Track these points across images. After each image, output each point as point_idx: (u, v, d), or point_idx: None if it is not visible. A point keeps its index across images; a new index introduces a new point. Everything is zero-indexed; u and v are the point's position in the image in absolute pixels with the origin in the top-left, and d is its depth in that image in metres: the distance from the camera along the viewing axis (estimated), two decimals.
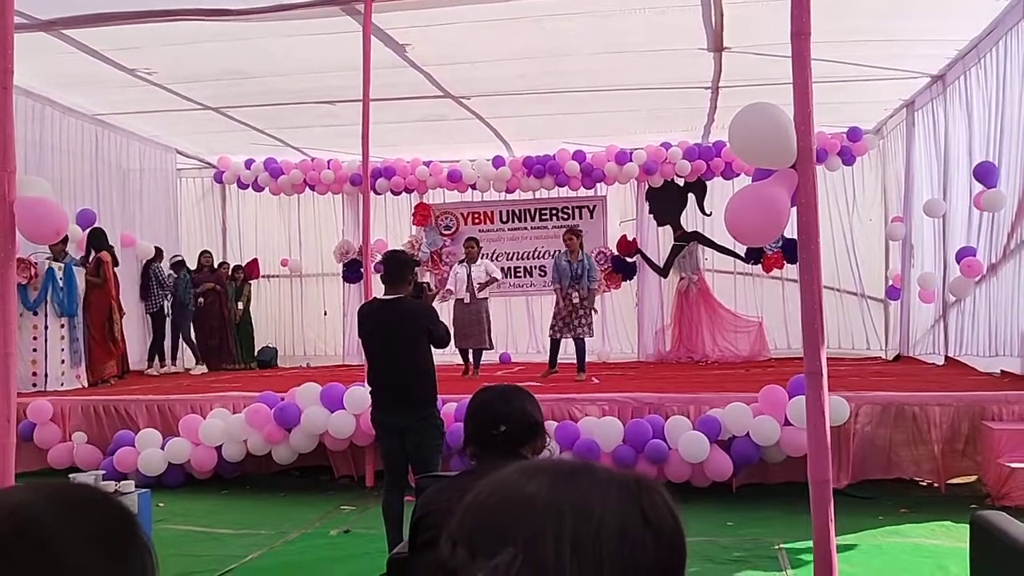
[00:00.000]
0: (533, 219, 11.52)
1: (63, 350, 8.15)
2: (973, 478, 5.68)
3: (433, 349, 4.31)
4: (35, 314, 7.92)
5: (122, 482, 4.65)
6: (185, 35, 6.93)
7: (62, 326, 8.16)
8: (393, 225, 11.84)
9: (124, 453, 6.21)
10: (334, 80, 7.86)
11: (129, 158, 10.45)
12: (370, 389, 4.45)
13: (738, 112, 2.94)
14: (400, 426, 4.19)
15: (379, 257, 5.88)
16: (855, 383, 6.58)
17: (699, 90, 8.56)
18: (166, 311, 10.33)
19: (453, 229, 11.52)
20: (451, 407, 5.57)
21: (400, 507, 4.18)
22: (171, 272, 10.46)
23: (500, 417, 2.13)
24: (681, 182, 10.85)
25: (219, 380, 8.86)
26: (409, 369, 4.22)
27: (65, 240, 7.89)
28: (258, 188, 11.50)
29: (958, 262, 7.47)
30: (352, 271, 11.24)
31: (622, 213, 11.53)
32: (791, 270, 10.03)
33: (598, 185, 11.07)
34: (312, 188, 11.39)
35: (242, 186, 11.62)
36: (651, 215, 11.13)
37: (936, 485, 5.65)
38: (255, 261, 11.87)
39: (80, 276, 8.42)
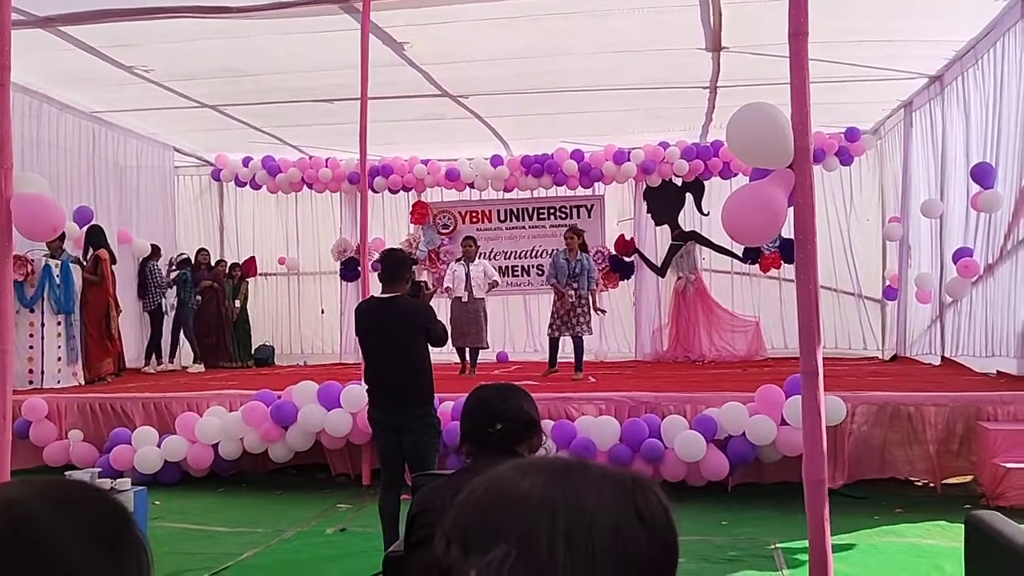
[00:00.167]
0: (531, 218, 11.52)
1: (60, 347, 8.15)
2: (969, 478, 5.69)
3: (430, 347, 4.31)
4: (32, 311, 7.91)
5: (118, 480, 4.64)
6: (183, 33, 6.92)
7: (59, 323, 8.16)
8: (391, 224, 11.84)
9: (120, 451, 6.20)
10: (332, 78, 7.85)
11: (126, 155, 10.43)
12: (367, 387, 4.46)
13: (735, 112, 2.94)
14: (397, 424, 4.19)
15: (377, 255, 5.87)
16: (852, 383, 6.60)
17: (697, 90, 8.57)
18: (164, 309, 10.32)
19: (451, 228, 11.52)
20: (448, 406, 5.57)
21: (396, 505, 4.19)
22: (177, 269, 10.47)
23: (496, 415, 2.13)
24: (679, 182, 10.86)
25: (216, 378, 8.85)
26: (406, 368, 4.22)
27: (62, 237, 7.88)
28: (256, 186, 11.49)
29: (955, 263, 7.48)
30: (350, 269, 11.24)
31: (620, 212, 11.54)
32: (788, 270, 10.03)
33: (596, 184, 11.07)
34: (310, 186, 11.38)
35: (240, 184, 11.61)
36: (649, 215, 11.13)
37: (932, 485, 5.66)
38: (252, 259, 11.86)
39: (77, 273, 8.42)
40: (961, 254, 7.43)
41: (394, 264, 4.38)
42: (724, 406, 5.67)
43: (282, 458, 6.28)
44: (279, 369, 10.69)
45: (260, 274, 12.04)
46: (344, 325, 11.34)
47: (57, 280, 8.06)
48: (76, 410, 6.73)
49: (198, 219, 12.25)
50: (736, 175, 10.16)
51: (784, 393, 5.51)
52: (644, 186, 11.01)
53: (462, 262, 8.95)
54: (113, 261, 8.92)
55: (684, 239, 10.92)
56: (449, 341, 4.98)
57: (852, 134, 10.13)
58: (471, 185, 11.16)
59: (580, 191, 11.17)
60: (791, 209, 2.85)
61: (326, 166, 11.17)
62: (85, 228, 8.82)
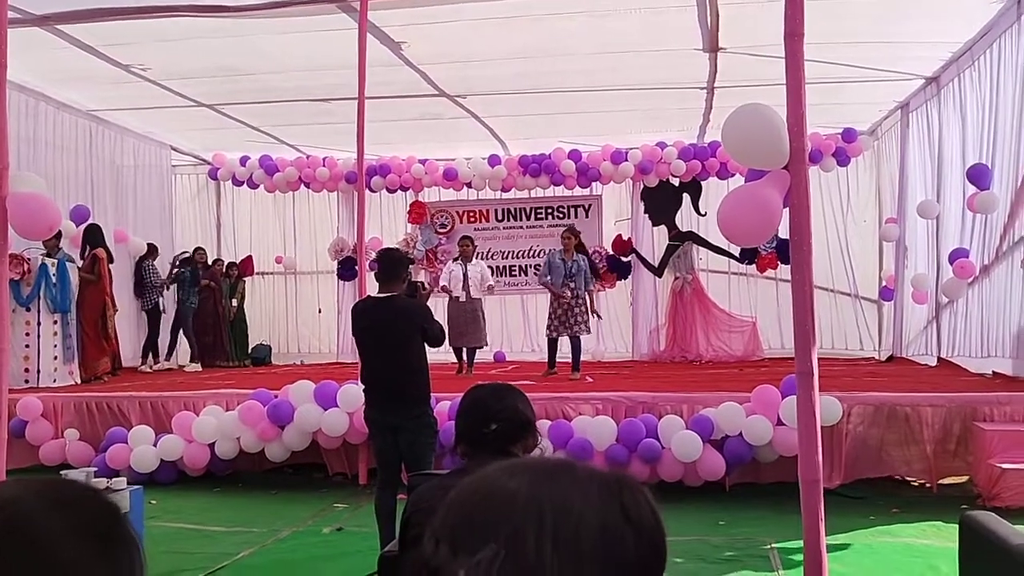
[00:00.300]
0: (528, 218, 11.53)
1: (56, 346, 8.13)
2: (964, 478, 5.70)
3: (427, 347, 4.31)
4: (28, 310, 7.90)
5: (114, 479, 4.64)
6: (180, 31, 6.91)
7: (55, 322, 8.14)
8: (388, 223, 11.84)
9: (116, 450, 6.19)
10: (330, 78, 7.85)
11: (123, 154, 10.42)
12: (363, 387, 4.46)
13: (731, 113, 2.95)
14: (393, 424, 4.19)
15: (374, 255, 5.87)
16: (848, 383, 6.60)
17: (695, 90, 8.58)
18: (161, 307, 10.31)
19: (448, 227, 11.52)
20: (444, 405, 5.57)
21: (393, 505, 4.18)
22: (179, 268, 10.46)
23: (491, 415, 2.13)
24: (676, 182, 10.87)
25: (213, 377, 8.85)
26: (402, 367, 4.22)
27: (58, 236, 7.87)
28: (253, 185, 11.48)
29: (951, 263, 7.50)
30: (347, 269, 11.24)
31: (617, 212, 11.54)
32: (785, 270, 10.01)
33: (594, 184, 11.08)
34: (307, 185, 11.37)
35: (237, 183, 11.60)
36: (646, 215, 11.14)
37: (928, 485, 5.67)
38: (250, 258, 11.86)
39: (73, 272, 8.41)
40: (957, 255, 7.45)
41: (391, 264, 4.38)
42: (721, 406, 5.67)
43: (278, 457, 6.27)
44: (276, 368, 10.68)
45: (257, 273, 12.04)
46: (341, 324, 11.33)
47: (53, 279, 8.05)
48: (72, 409, 6.72)
49: (195, 218, 12.25)
50: (733, 175, 10.17)
51: (780, 393, 5.52)
52: (641, 186, 11.02)
53: (459, 262, 8.96)
54: (110, 260, 8.91)
55: (681, 239, 10.93)
56: (447, 341, 4.99)
57: (849, 135, 10.14)
58: (469, 185, 11.16)
59: (578, 191, 11.18)
60: (786, 210, 2.86)
61: (323, 165, 11.17)
62: (82, 227, 8.81)
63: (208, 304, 10.72)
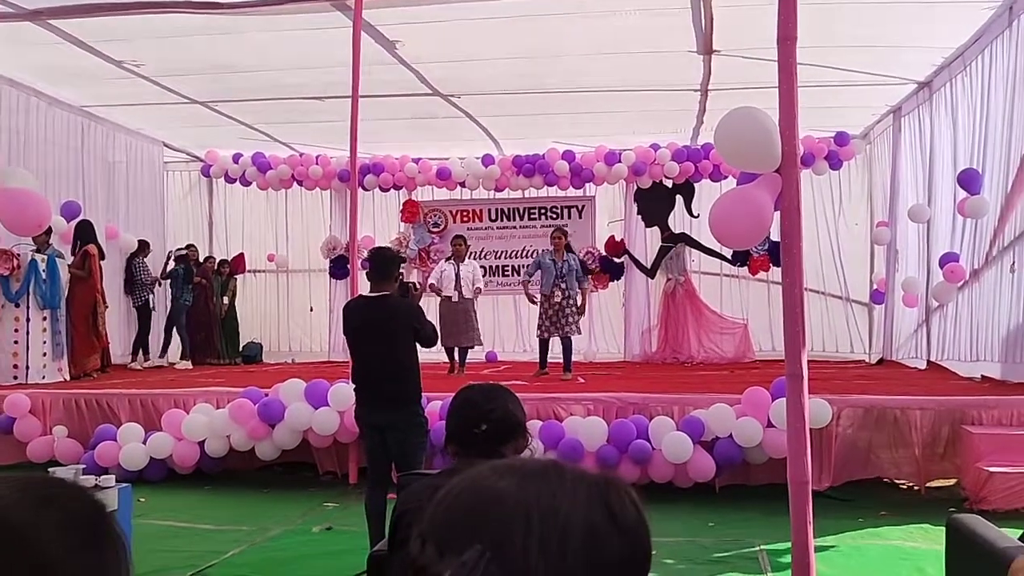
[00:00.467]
0: (522, 218, 11.53)
1: (45, 343, 8.09)
2: (952, 481, 5.73)
3: (418, 347, 4.31)
4: (17, 306, 7.85)
5: (102, 476, 4.61)
6: (174, 28, 6.89)
7: (44, 318, 8.10)
8: (381, 222, 11.82)
9: (105, 447, 6.16)
10: (323, 76, 7.83)
11: (115, 151, 10.37)
12: (354, 386, 4.45)
13: (724, 116, 2.96)
14: (384, 424, 4.19)
15: (366, 254, 5.86)
16: (838, 386, 6.63)
17: (688, 92, 8.60)
18: (151, 304, 10.27)
19: (441, 227, 11.51)
20: (435, 405, 5.56)
21: (383, 505, 4.18)
22: (177, 266, 10.42)
23: (482, 415, 2.13)
24: (669, 183, 10.89)
25: (203, 375, 8.82)
26: (393, 367, 4.21)
27: (49, 232, 7.83)
28: (245, 183, 11.44)
29: (941, 267, 7.54)
30: (339, 267, 11.21)
31: (610, 213, 11.56)
32: (777, 273, 10.04)
33: (587, 185, 11.10)
34: (300, 183, 11.34)
35: (229, 180, 11.56)
36: (639, 216, 11.16)
37: (916, 488, 5.70)
38: (241, 256, 11.82)
39: (63, 268, 8.36)
40: (948, 259, 7.49)
41: (383, 262, 4.37)
42: (711, 408, 5.69)
43: (269, 456, 6.26)
44: (267, 367, 10.65)
45: (249, 271, 12.00)
46: (332, 323, 11.31)
47: (43, 275, 8.01)
48: (61, 406, 6.69)
49: (187, 215, 12.20)
50: (726, 177, 10.19)
51: (771, 395, 5.54)
52: (635, 187, 11.04)
53: (452, 261, 8.95)
54: (102, 257, 8.87)
55: (674, 241, 10.96)
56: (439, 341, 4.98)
57: (841, 138, 10.18)
58: (462, 184, 11.16)
59: (571, 192, 11.19)
60: (777, 213, 2.87)
61: (316, 163, 11.14)
62: (74, 223, 8.77)
63: (199, 302, 10.68)
